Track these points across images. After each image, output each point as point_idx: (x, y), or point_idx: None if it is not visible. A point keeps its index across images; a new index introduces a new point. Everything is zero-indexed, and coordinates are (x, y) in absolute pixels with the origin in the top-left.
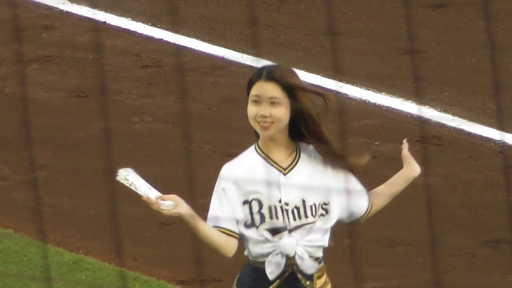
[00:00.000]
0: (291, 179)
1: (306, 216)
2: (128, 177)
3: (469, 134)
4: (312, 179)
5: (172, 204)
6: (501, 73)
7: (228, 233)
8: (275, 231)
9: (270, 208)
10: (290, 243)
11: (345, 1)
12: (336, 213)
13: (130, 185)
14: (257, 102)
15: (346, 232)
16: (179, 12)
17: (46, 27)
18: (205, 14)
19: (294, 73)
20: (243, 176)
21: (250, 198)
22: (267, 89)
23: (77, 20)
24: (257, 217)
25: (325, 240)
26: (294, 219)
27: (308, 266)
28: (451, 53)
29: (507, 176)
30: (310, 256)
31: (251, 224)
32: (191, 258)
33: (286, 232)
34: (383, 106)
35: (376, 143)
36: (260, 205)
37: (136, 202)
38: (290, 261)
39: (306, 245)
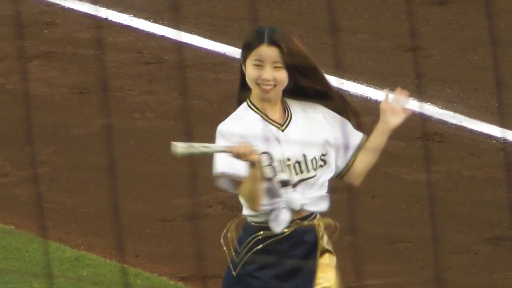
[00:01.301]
0: (289, 135)
1: (308, 170)
2: (190, 148)
3: (471, 131)
4: (309, 133)
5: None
6: (502, 70)
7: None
8: (284, 183)
9: (280, 161)
10: (296, 197)
11: None
12: (333, 162)
13: (196, 152)
14: (259, 66)
15: (347, 229)
16: (181, 8)
17: (48, 24)
18: (206, 11)
19: (292, 35)
20: (245, 133)
21: (265, 151)
22: (270, 53)
23: (78, 16)
24: (269, 170)
25: (323, 192)
26: (296, 174)
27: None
28: (453, 51)
29: (509, 173)
30: (304, 212)
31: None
32: (192, 255)
33: (290, 187)
34: None
35: None
36: (271, 158)
37: (137, 199)
38: (294, 216)
39: (309, 198)
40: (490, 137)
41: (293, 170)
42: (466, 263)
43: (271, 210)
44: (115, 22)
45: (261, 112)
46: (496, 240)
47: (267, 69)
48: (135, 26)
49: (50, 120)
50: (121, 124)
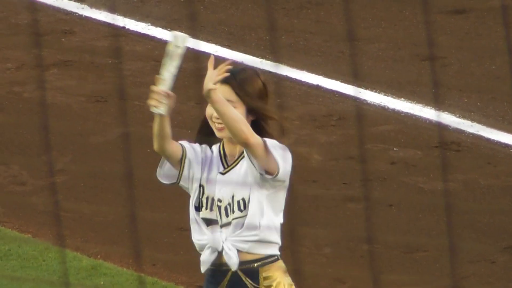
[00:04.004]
0: (227, 176)
1: (233, 212)
2: (179, 49)
3: (488, 140)
4: (244, 176)
5: (163, 110)
6: None
7: (182, 146)
8: (209, 222)
9: (207, 198)
10: (218, 237)
11: (365, 7)
12: (255, 205)
13: (172, 56)
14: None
15: (364, 238)
16: (198, 17)
17: (65, 32)
18: (224, 20)
19: (253, 80)
20: (205, 157)
21: (201, 183)
22: (221, 91)
23: (96, 25)
24: (200, 203)
25: (259, 235)
26: (226, 216)
27: (234, 263)
28: (471, 60)
29: None
30: (247, 253)
31: (197, 207)
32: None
33: (218, 227)
34: (402, 112)
35: (394, 149)
36: (203, 192)
37: (155, 208)
38: (222, 258)
39: (237, 240)
40: (507, 146)
41: (223, 212)
42: (483, 272)
43: (203, 247)
44: (132, 31)
45: (223, 149)
46: None
47: None
48: (152, 35)
49: (67, 128)
50: (138, 133)
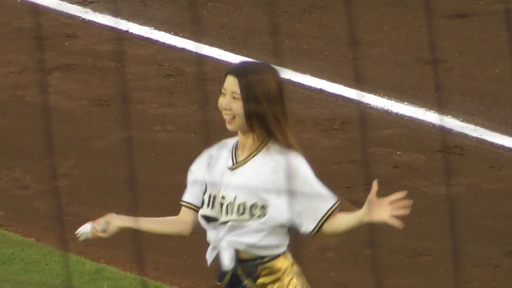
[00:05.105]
0: (235, 175)
1: (232, 213)
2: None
3: (491, 144)
4: (251, 179)
5: (106, 222)
6: None
7: (187, 205)
8: (208, 219)
9: (210, 196)
10: (215, 235)
11: (367, 11)
12: (277, 215)
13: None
14: (223, 94)
15: (367, 242)
16: (202, 21)
17: (68, 36)
18: (227, 24)
19: (262, 80)
20: (210, 160)
21: (206, 183)
22: (231, 83)
23: (99, 29)
24: (202, 201)
25: (262, 241)
26: (226, 214)
27: (225, 264)
28: (473, 63)
29: None
30: (246, 255)
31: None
32: (212, 268)
33: (218, 224)
34: (405, 115)
35: (398, 152)
36: (206, 190)
37: (158, 212)
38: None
39: (235, 241)
40: (510, 150)
41: (224, 209)
42: (486, 276)
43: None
44: (135, 35)
45: (236, 145)
46: None
47: (226, 97)
48: (155, 39)
49: (70, 132)
50: (141, 137)
